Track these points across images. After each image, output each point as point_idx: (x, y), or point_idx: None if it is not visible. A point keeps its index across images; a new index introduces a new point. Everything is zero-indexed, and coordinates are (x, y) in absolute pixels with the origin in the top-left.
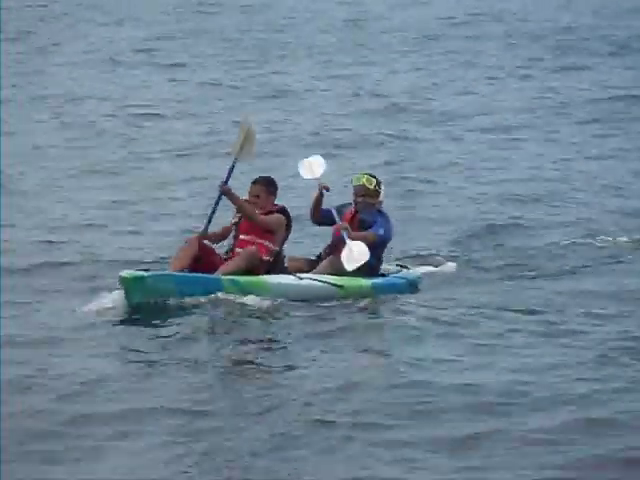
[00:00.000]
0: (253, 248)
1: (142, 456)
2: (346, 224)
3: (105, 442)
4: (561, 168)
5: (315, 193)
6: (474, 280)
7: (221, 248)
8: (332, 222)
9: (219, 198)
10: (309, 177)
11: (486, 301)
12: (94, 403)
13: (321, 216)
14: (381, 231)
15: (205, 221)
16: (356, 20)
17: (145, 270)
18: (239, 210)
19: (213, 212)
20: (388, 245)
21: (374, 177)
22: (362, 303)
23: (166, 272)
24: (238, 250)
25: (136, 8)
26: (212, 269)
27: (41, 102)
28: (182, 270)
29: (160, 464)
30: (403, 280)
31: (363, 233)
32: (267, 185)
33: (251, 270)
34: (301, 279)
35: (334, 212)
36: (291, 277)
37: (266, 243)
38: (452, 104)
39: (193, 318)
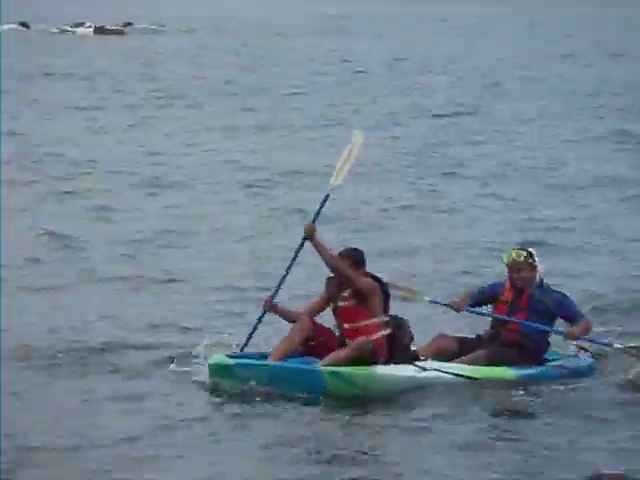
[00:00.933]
0: (364, 338)
1: None
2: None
3: None
4: None
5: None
6: None
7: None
8: (490, 300)
9: (301, 245)
10: None
11: None
12: None
13: (474, 303)
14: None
15: (278, 283)
16: None
17: (238, 355)
18: (326, 262)
19: (289, 267)
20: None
21: (523, 249)
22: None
23: (256, 361)
24: (349, 342)
25: None
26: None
27: None
28: (284, 359)
29: None
30: (564, 370)
31: (583, 326)
32: (352, 259)
33: (364, 360)
34: (425, 369)
35: (487, 292)
36: (410, 367)
37: (374, 321)
38: None
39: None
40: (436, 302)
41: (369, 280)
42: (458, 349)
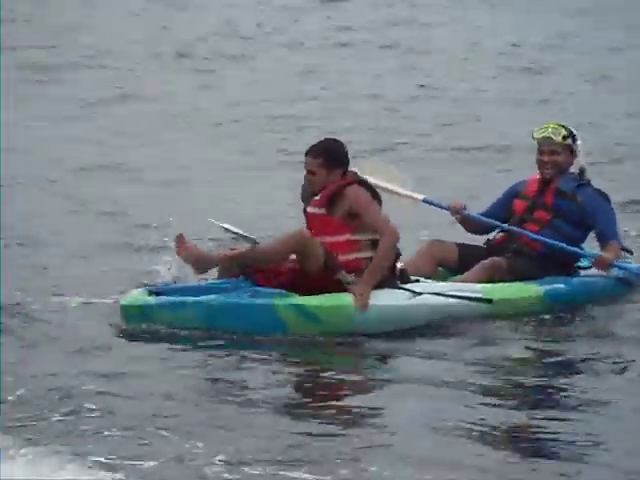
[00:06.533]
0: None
1: None
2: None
3: None
4: None
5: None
6: None
7: None
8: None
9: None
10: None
11: None
12: None
13: (480, 226)
14: (616, 231)
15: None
16: None
17: (156, 292)
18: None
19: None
20: None
21: (564, 127)
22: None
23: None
24: None
25: None
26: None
27: None
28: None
29: None
30: (608, 279)
31: (614, 250)
32: (325, 157)
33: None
34: (418, 294)
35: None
36: (399, 292)
37: (353, 238)
38: None
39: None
40: (431, 202)
41: (362, 195)
42: (459, 259)
